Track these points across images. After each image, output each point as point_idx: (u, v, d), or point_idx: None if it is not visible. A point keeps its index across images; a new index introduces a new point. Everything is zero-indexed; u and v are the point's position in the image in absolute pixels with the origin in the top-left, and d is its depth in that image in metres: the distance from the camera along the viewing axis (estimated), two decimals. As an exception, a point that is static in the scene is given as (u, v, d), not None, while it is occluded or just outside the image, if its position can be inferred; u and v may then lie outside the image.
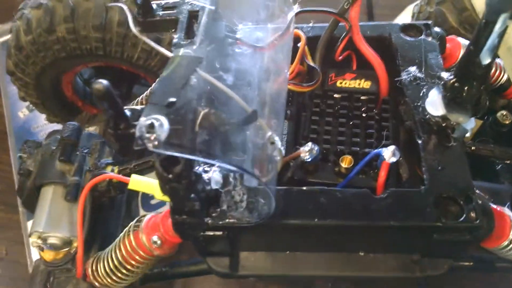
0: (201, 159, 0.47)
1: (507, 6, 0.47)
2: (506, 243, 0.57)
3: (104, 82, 0.45)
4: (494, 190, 0.67)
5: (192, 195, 0.52)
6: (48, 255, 0.70)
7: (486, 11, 0.49)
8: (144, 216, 0.64)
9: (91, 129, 0.80)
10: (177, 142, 0.46)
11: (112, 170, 0.72)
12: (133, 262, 0.63)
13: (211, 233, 0.57)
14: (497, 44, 0.51)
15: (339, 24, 0.69)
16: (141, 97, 0.73)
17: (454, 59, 0.71)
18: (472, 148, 0.69)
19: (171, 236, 0.60)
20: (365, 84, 0.69)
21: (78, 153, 0.72)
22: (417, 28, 0.70)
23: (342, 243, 0.61)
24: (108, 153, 0.74)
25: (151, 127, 0.43)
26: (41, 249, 0.70)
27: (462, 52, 0.72)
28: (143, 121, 0.43)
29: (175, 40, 0.56)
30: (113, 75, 0.98)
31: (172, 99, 0.47)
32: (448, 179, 0.56)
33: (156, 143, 0.43)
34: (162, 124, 0.44)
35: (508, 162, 0.69)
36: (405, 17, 1.21)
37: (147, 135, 0.43)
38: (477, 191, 0.57)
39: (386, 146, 0.59)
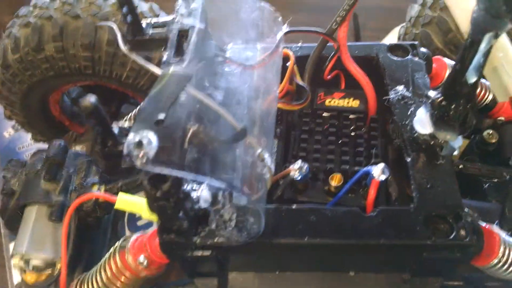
0: (190, 177, 0.47)
1: (492, 26, 0.48)
2: (495, 261, 0.56)
3: (92, 99, 0.45)
4: (482, 209, 0.67)
5: (180, 214, 0.51)
6: (30, 277, 0.68)
7: (471, 30, 0.50)
8: (130, 236, 0.63)
9: (78, 147, 0.79)
10: (166, 159, 0.45)
11: (99, 190, 0.70)
12: (119, 284, 0.62)
13: (199, 253, 0.56)
14: (482, 63, 0.52)
15: (328, 44, 0.70)
16: (129, 115, 0.73)
17: (440, 79, 0.73)
18: (460, 166, 0.69)
19: (158, 256, 0.58)
20: (354, 103, 0.70)
21: (63, 172, 0.70)
22: (404, 48, 0.71)
23: (332, 262, 0.60)
24: (95, 172, 0.73)
25: (139, 144, 0.43)
26: (23, 271, 0.68)
27: (448, 72, 0.73)
28: (132, 138, 0.43)
29: (164, 58, 0.56)
30: (102, 94, 0.97)
31: (161, 116, 0.47)
32: (437, 197, 0.56)
33: (144, 160, 0.42)
34: (151, 141, 0.43)
35: (495, 180, 0.70)
36: (391, 39, 1.24)
37: (135, 152, 0.42)
38: (467, 209, 0.57)
39: (375, 164, 0.59)
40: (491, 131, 0.76)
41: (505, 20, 0.47)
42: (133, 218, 0.97)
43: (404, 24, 1.01)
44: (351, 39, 1.40)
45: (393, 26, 1.29)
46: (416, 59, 0.70)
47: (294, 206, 0.57)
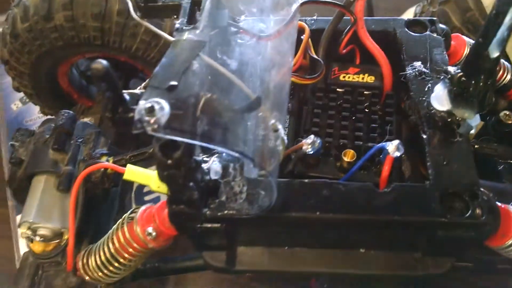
0: (202, 144, 0.46)
1: (519, -3, 0.46)
2: (510, 241, 0.55)
3: (104, 62, 0.44)
4: (497, 189, 0.66)
5: (191, 184, 0.50)
6: (38, 247, 0.68)
7: (496, 2, 0.48)
8: (139, 207, 0.62)
9: (86, 120, 0.78)
10: (178, 127, 0.44)
11: (107, 161, 0.70)
12: (126, 255, 0.61)
13: (208, 225, 0.55)
14: (506, 37, 0.50)
15: (344, 17, 0.68)
16: (143, 84, 0.71)
17: (459, 56, 0.71)
18: (475, 146, 0.68)
19: (167, 228, 0.58)
20: (369, 79, 0.68)
21: (72, 142, 0.70)
22: (422, 24, 0.69)
23: (343, 238, 0.59)
24: (103, 144, 0.72)
25: (151, 110, 0.42)
26: (30, 240, 0.68)
27: (466, 50, 0.71)
28: (143, 104, 0.42)
29: (177, 25, 0.55)
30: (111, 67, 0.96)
31: (174, 83, 0.46)
32: (453, 175, 0.55)
33: (155, 126, 0.41)
34: (163, 107, 0.42)
35: (510, 161, 0.68)
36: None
37: (147, 118, 0.41)
38: (482, 189, 0.56)
39: (388, 141, 0.58)
40: (508, 112, 0.74)
41: (533, -9, 0.46)
42: (141, 192, 0.97)
43: (420, 3, 0.98)
44: (364, 19, 1.37)
45: (406, 7, 1.26)
46: (435, 35, 0.68)
47: (306, 180, 0.56)
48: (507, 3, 0.48)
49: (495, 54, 0.52)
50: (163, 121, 0.42)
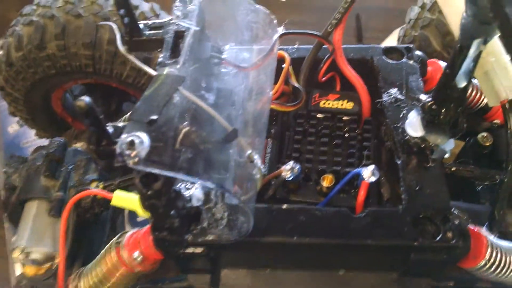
0: (180, 177, 0.48)
1: (480, 32, 0.48)
2: (482, 263, 0.57)
3: (86, 99, 0.46)
4: (474, 211, 0.68)
5: (172, 212, 0.52)
6: (30, 270, 0.70)
7: (460, 36, 0.51)
8: (126, 232, 0.64)
9: (79, 145, 0.80)
10: (157, 159, 0.46)
11: (97, 186, 0.72)
12: (114, 279, 0.63)
13: (191, 250, 0.57)
14: (472, 68, 0.53)
15: (323, 46, 0.71)
16: (125, 116, 0.74)
17: (435, 81, 0.72)
18: (453, 169, 0.70)
19: (152, 252, 0.60)
20: (348, 105, 0.70)
21: (63, 169, 0.72)
22: (399, 51, 0.72)
23: (322, 261, 0.61)
24: (94, 170, 0.74)
25: (131, 144, 0.44)
26: (23, 264, 0.70)
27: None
28: (124, 138, 0.44)
29: (160, 59, 0.57)
30: (103, 92, 0.99)
31: (154, 117, 0.48)
32: (426, 199, 0.57)
33: (136, 160, 0.44)
34: (143, 141, 0.44)
35: (487, 183, 0.70)
36: (392, 41, 1.24)
37: (127, 151, 0.44)
38: (456, 212, 0.58)
39: (367, 165, 0.60)
40: (485, 134, 0.76)
41: (493, 27, 0.48)
42: (134, 213, 0.99)
43: (404, 26, 1.01)
44: (353, 40, 1.40)
45: (395, 27, 1.29)
46: (411, 62, 0.71)
47: (284, 206, 0.58)
48: (470, 38, 0.50)
49: (462, 84, 0.54)
50: (143, 154, 0.44)
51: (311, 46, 0.72)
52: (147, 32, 0.62)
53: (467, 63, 0.53)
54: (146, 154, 0.44)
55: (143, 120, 0.48)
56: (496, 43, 0.59)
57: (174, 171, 0.47)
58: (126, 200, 0.64)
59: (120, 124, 0.53)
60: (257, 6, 0.63)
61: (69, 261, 0.69)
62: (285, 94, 0.72)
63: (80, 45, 0.83)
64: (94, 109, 0.47)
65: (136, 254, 0.60)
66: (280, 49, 0.71)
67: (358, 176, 0.61)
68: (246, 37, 0.63)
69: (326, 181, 0.62)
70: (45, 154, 0.72)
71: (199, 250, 0.57)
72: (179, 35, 0.61)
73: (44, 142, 1.09)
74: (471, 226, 0.58)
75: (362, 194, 0.59)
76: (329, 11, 0.69)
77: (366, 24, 1.43)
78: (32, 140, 1.19)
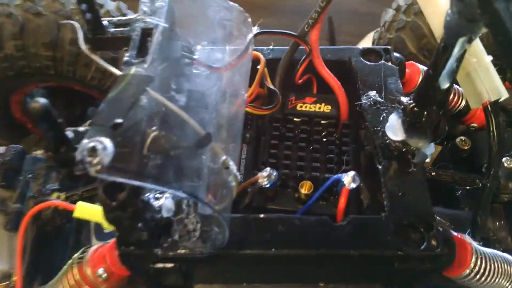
0: (148, 186, 0.44)
1: (465, 30, 0.46)
2: (467, 271, 0.55)
3: (42, 100, 0.42)
4: (454, 217, 0.66)
5: (140, 224, 0.48)
6: (-16, 290, 0.64)
7: (444, 34, 0.48)
8: (90, 246, 0.59)
9: (39, 152, 0.75)
10: (123, 167, 0.42)
11: (58, 197, 0.67)
12: (77, 298, 0.58)
13: (161, 265, 0.53)
14: (455, 68, 0.51)
15: (300, 47, 0.68)
16: (89, 121, 0.69)
17: (414, 84, 0.71)
18: (432, 173, 0.68)
19: (118, 268, 0.55)
20: (326, 108, 0.68)
21: (21, 178, 0.67)
22: (377, 53, 0.70)
23: (301, 274, 0.58)
24: (55, 179, 0.69)
25: (93, 150, 0.40)
26: (-24, 283, 0.64)
27: (421, 77, 0.72)
28: (85, 143, 0.40)
29: (125, 58, 0.53)
30: (66, 96, 0.93)
31: (119, 120, 0.44)
32: (409, 206, 0.55)
33: (98, 167, 0.39)
34: (106, 146, 0.40)
35: (468, 188, 0.69)
36: (366, 44, 1.23)
37: (89, 158, 0.39)
38: (438, 218, 0.56)
39: (346, 171, 0.57)
40: (463, 138, 0.75)
41: (479, 24, 0.46)
42: (101, 227, 0.93)
43: (378, 29, 1.00)
44: (326, 44, 1.39)
45: (368, 31, 1.28)
46: (389, 63, 0.69)
47: (261, 216, 0.54)
48: (455, 36, 0.48)
49: (445, 85, 0.52)
50: (107, 161, 0.40)
51: (287, 48, 0.69)
52: (112, 30, 0.58)
53: (450, 63, 0.50)
54: (109, 161, 0.40)
55: (107, 124, 0.43)
56: (477, 43, 0.57)
57: (142, 180, 0.43)
58: (90, 211, 0.59)
59: (82, 128, 0.49)
60: (231, 3, 0.59)
61: (27, 278, 0.64)
62: (260, 97, 0.69)
63: (40, 45, 0.78)
64: (50, 111, 0.42)
65: (100, 271, 0.56)
66: (255, 50, 0.68)
67: (338, 183, 0.58)
68: (219, 36, 0.60)
69: (305, 188, 0.59)
70: (1, 162, 0.66)
71: (170, 265, 0.53)
72: (147, 33, 0.57)
73: (2, 150, 1.02)
74: (454, 233, 0.56)
75: (342, 201, 0.56)
76: (302, 14, 0.66)
77: (338, 28, 1.42)
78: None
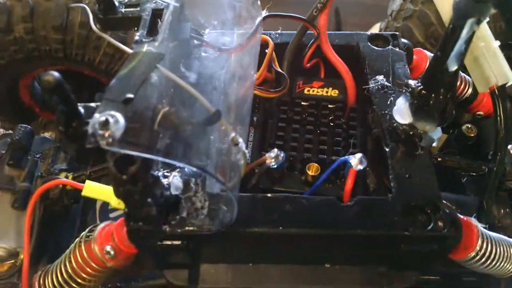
0: (159, 158, 0.44)
1: (474, 11, 0.47)
2: (473, 254, 0.55)
3: (55, 73, 0.42)
4: (460, 202, 0.67)
5: (149, 200, 0.48)
6: (-8, 267, 0.64)
7: (453, 16, 0.49)
8: (97, 225, 0.60)
9: (47, 134, 0.76)
10: (133, 141, 0.43)
11: (66, 177, 0.67)
12: (84, 275, 0.59)
13: (169, 242, 0.53)
14: (464, 50, 0.51)
15: (308, 31, 0.68)
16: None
17: (421, 70, 0.71)
18: (438, 159, 0.68)
19: (126, 246, 0.56)
20: (333, 92, 0.68)
21: (29, 157, 0.67)
22: (384, 38, 0.70)
23: (307, 254, 0.58)
24: (63, 159, 0.70)
25: (105, 123, 0.40)
26: (-16, 261, 0.65)
27: (428, 64, 0.72)
28: (97, 117, 0.40)
29: (136, 37, 0.53)
30: (74, 80, 0.94)
31: (130, 96, 0.44)
32: (416, 188, 0.55)
33: (110, 140, 0.40)
34: (118, 120, 0.41)
35: (473, 174, 0.69)
36: (372, 34, 1.22)
37: (101, 132, 0.40)
38: (444, 202, 0.56)
39: (353, 154, 0.58)
40: (470, 125, 0.75)
41: (488, 5, 0.46)
42: (106, 208, 0.94)
43: (385, 18, 1.00)
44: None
45: (374, 22, 1.28)
46: (397, 49, 0.69)
47: (269, 195, 0.55)
48: (464, 17, 0.48)
49: (453, 67, 0.52)
50: (118, 135, 0.40)
51: (295, 32, 0.70)
52: (123, 10, 0.58)
53: (459, 45, 0.51)
54: (121, 135, 0.40)
55: (118, 99, 0.44)
56: (485, 27, 0.57)
57: (152, 153, 0.43)
58: (98, 190, 0.60)
59: (93, 104, 0.49)
60: (240, -16, 0.60)
61: (34, 257, 0.64)
62: (268, 81, 0.69)
63: (49, 28, 0.78)
64: (63, 84, 0.43)
65: (108, 247, 0.56)
66: (263, 33, 0.68)
67: (345, 165, 0.58)
68: (229, 17, 0.60)
69: (312, 170, 0.60)
70: (10, 142, 0.67)
71: (177, 242, 0.53)
72: (157, 14, 0.58)
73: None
74: (461, 216, 0.56)
75: (349, 182, 0.56)
76: (310, 5, 0.66)
77: (344, 20, 1.42)
78: (-3, 133, 1.12)
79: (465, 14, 0.48)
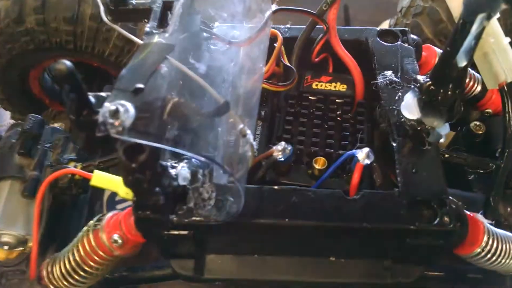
0: (168, 148, 0.45)
1: (484, 6, 0.47)
2: (478, 250, 0.55)
3: (67, 62, 0.42)
4: (467, 198, 0.67)
5: (157, 189, 0.49)
6: (1, 254, 0.65)
7: (463, 11, 0.49)
8: (105, 214, 0.60)
9: (56, 125, 0.76)
10: (143, 130, 0.43)
11: (75, 167, 0.68)
12: (92, 263, 0.59)
13: (176, 232, 0.54)
14: (473, 46, 0.51)
15: (317, 26, 0.69)
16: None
17: (430, 66, 0.71)
18: (446, 155, 0.68)
19: (133, 234, 0.56)
20: (341, 87, 0.68)
21: (39, 147, 0.68)
22: (394, 34, 0.70)
23: (312, 246, 0.59)
24: (72, 149, 0.70)
25: (115, 112, 0.41)
26: (-7, 247, 0.65)
27: (437, 60, 0.72)
28: (108, 106, 0.41)
29: (147, 29, 0.54)
30: (84, 72, 0.94)
31: (140, 86, 0.45)
32: (422, 183, 0.55)
33: (120, 129, 0.40)
34: (128, 110, 0.41)
35: (481, 171, 0.69)
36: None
37: (111, 120, 0.40)
38: (451, 198, 0.56)
39: (360, 148, 0.58)
40: (478, 123, 0.75)
41: (498, 0, 0.46)
42: (113, 199, 0.95)
43: (394, 15, 1.00)
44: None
45: (383, 19, 1.28)
46: (406, 45, 0.69)
47: (276, 187, 0.55)
48: (474, 13, 0.48)
49: (462, 63, 0.52)
50: (128, 123, 0.41)
51: (303, 27, 0.70)
52: (134, 2, 0.59)
53: (468, 41, 0.51)
54: (131, 124, 0.41)
55: (129, 88, 0.44)
56: (495, 23, 0.57)
57: (161, 143, 0.44)
58: (107, 180, 0.60)
59: (103, 94, 0.50)
60: (250, -22, 0.60)
61: (43, 245, 0.65)
62: (276, 75, 0.69)
63: (60, 19, 0.79)
64: (75, 73, 0.43)
65: (115, 236, 0.57)
66: (273, 28, 0.68)
67: (351, 160, 0.58)
68: (239, 9, 0.60)
69: (319, 164, 0.60)
70: (21, 131, 0.67)
71: (184, 232, 0.54)
72: (168, 6, 0.58)
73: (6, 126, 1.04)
74: (467, 212, 0.57)
75: (356, 176, 0.56)
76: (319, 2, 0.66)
77: (354, 16, 1.41)
78: (7, 123, 1.13)
79: (475, 9, 0.48)
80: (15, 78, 0.91)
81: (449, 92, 0.55)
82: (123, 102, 0.41)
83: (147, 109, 0.45)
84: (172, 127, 0.48)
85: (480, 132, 0.74)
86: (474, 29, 0.49)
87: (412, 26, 0.90)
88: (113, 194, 0.95)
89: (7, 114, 1.08)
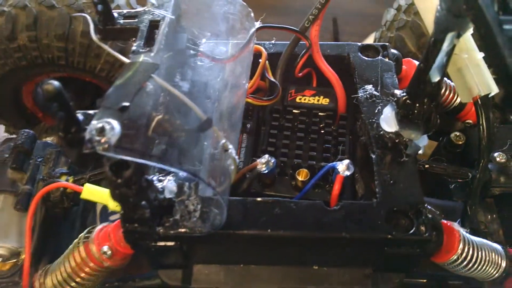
0: (152, 164, 0.47)
1: (453, 26, 0.49)
2: (455, 257, 0.57)
3: (55, 82, 0.45)
4: (447, 207, 0.69)
5: (143, 203, 0.51)
6: (-6, 266, 0.67)
7: (434, 30, 0.51)
8: (95, 226, 0.62)
9: (49, 139, 0.78)
10: (128, 146, 0.45)
11: (67, 180, 0.70)
12: (83, 275, 0.61)
13: (163, 243, 0.56)
14: (445, 62, 0.53)
15: (300, 42, 0.71)
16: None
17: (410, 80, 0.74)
18: (426, 166, 0.70)
19: (122, 246, 0.58)
20: (324, 101, 0.71)
21: (31, 161, 0.70)
22: (374, 49, 0.72)
23: (296, 256, 0.61)
24: (64, 163, 0.72)
25: (101, 130, 0.43)
26: (-13, 260, 0.67)
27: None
28: (94, 124, 0.43)
29: (133, 48, 0.56)
30: (76, 86, 0.97)
31: (126, 104, 0.47)
32: (400, 193, 0.57)
33: (106, 146, 0.42)
34: (113, 127, 0.43)
35: (460, 180, 0.71)
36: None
37: (97, 138, 0.42)
38: (429, 207, 0.58)
39: (341, 160, 0.60)
40: (458, 133, 0.77)
41: (466, 20, 0.49)
42: (105, 211, 0.96)
43: (379, 28, 1.02)
44: (330, 43, 1.41)
45: (372, 32, 1.30)
46: (386, 59, 0.71)
47: (259, 199, 0.57)
48: (444, 31, 0.51)
49: (436, 78, 0.55)
50: (113, 141, 0.43)
51: (288, 42, 0.72)
52: (121, 21, 0.61)
53: (440, 58, 0.53)
54: (116, 141, 0.43)
55: (115, 107, 0.47)
56: (468, 39, 0.60)
57: (146, 159, 0.46)
58: (97, 193, 0.62)
59: (91, 111, 0.52)
60: (234, -2, 0.62)
61: (35, 257, 0.67)
62: (261, 90, 0.72)
63: (52, 36, 0.81)
64: (62, 93, 0.45)
65: (105, 248, 0.59)
66: (257, 44, 0.71)
67: (333, 171, 0.61)
68: (222, 29, 0.63)
69: (301, 175, 0.62)
70: (13, 146, 0.69)
71: (171, 243, 0.56)
72: (154, 25, 0.60)
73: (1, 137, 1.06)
74: (444, 221, 0.59)
75: (336, 187, 0.59)
76: (295, 14, 0.69)
77: (342, 29, 1.44)
78: (1, 137, 1.15)
79: (445, 28, 0.50)
80: (9, 92, 0.93)
81: (425, 106, 0.58)
82: (109, 120, 0.44)
83: (132, 126, 0.47)
84: (157, 143, 0.50)
85: (460, 143, 0.76)
86: (445, 46, 0.52)
87: (396, 40, 0.93)
88: (106, 206, 0.97)
89: (1, 128, 1.10)
